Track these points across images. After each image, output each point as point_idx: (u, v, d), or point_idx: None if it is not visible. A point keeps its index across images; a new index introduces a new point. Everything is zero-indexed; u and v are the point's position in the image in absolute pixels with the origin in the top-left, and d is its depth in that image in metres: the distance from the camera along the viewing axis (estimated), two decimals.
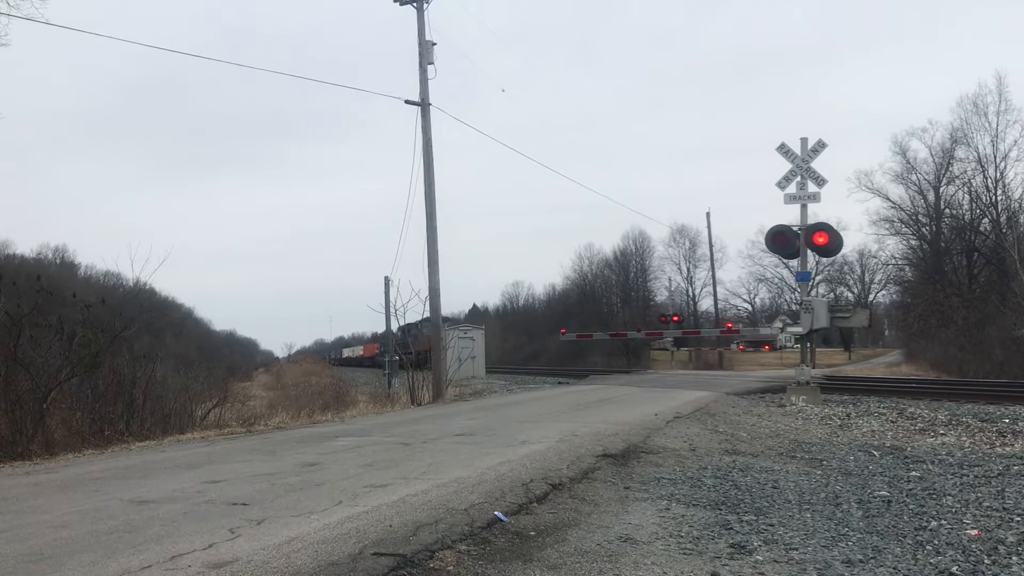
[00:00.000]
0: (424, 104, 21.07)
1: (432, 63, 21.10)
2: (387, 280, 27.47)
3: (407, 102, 21.16)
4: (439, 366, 20.91)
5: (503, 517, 5.29)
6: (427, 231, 21.26)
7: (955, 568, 4.36)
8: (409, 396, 20.40)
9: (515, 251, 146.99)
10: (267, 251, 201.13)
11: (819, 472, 7.81)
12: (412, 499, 5.84)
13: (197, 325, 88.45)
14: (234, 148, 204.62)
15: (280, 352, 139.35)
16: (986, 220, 43.68)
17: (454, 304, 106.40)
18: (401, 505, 5.63)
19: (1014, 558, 4.59)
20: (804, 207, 16.29)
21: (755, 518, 5.60)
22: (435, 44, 21.13)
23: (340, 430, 11.87)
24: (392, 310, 24.47)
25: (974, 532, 5.23)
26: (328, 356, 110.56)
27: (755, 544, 4.85)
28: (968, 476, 7.58)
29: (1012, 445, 9.89)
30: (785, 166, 16.25)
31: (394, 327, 27.46)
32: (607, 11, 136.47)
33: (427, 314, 21.65)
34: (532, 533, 5.03)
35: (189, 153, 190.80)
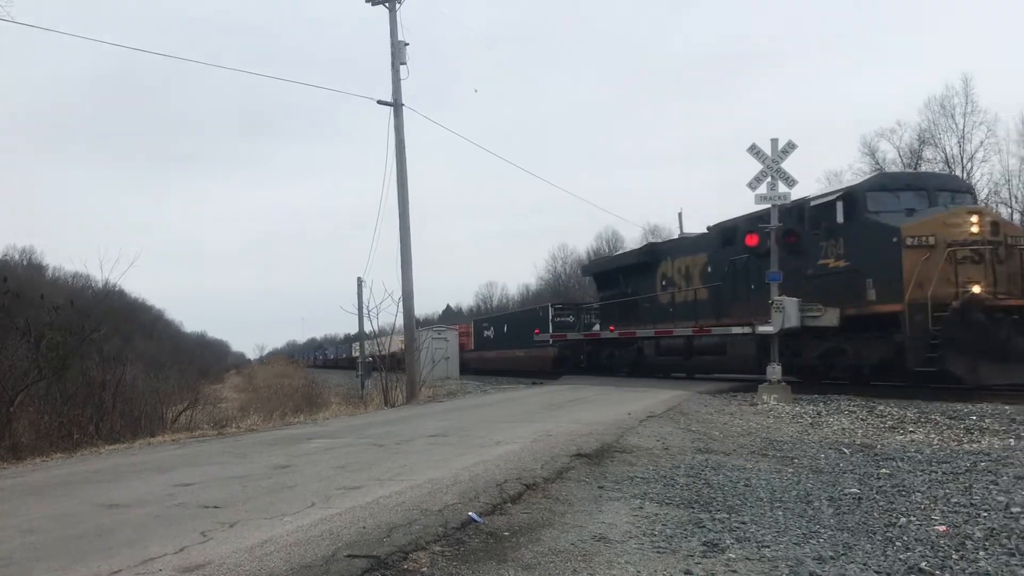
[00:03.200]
0: (397, 104, 21.02)
1: (404, 63, 21.06)
2: (360, 281, 27.43)
3: (379, 102, 21.12)
4: (412, 367, 20.87)
5: (477, 518, 5.29)
6: (400, 232, 21.23)
7: (924, 564, 4.42)
8: (383, 397, 20.34)
9: (489, 252, 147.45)
10: (239, 252, 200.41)
11: (790, 470, 7.88)
12: (386, 501, 5.82)
13: (168, 327, 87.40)
14: (206, 149, 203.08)
15: (252, 354, 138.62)
16: None
17: (428, 305, 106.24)
18: (375, 507, 5.61)
19: (981, 553, 4.66)
20: (774, 208, 16.44)
21: (727, 516, 5.64)
22: (407, 44, 21.10)
23: (313, 432, 11.81)
24: (365, 311, 24.41)
25: (942, 528, 5.30)
26: (312, 357, 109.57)
27: (727, 542, 4.88)
28: (936, 473, 7.68)
29: (979, 442, 10.04)
30: (756, 167, 16.36)
31: (367, 328, 27.35)
32: (581, 12, 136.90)
33: (401, 315, 21.59)
34: (506, 533, 5.04)
35: (160, 153, 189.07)
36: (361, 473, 7.28)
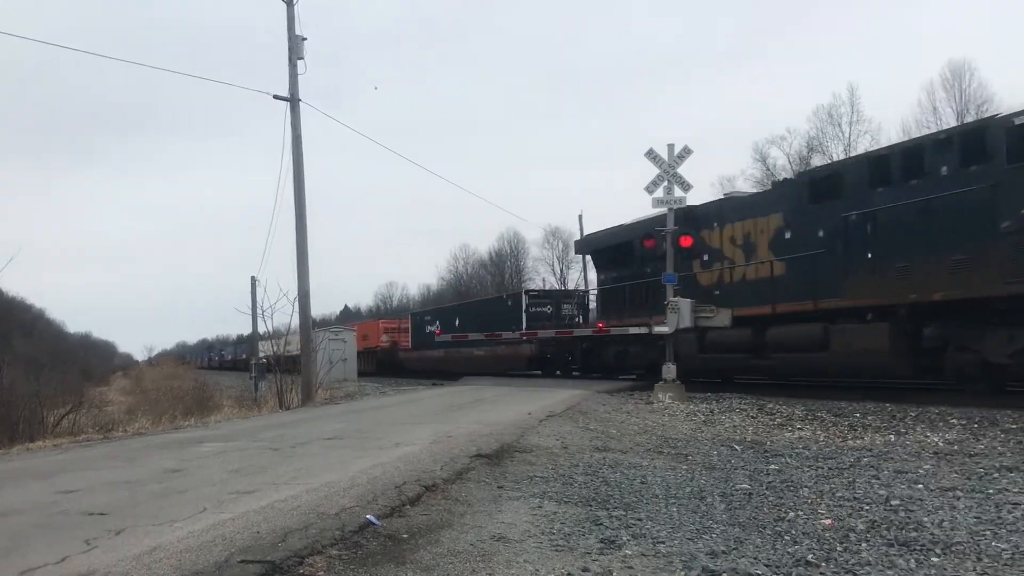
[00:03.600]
0: (294, 100, 20.59)
1: (302, 58, 20.63)
2: (254, 281, 26.82)
3: (276, 97, 20.63)
4: (308, 368, 20.48)
5: (375, 520, 5.22)
6: (297, 230, 20.78)
7: (810, 556, 4.58)
8: (277, 400, 19.91)
9: (390, 252, 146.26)
10: (127, 250, 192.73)
11: (685, 467, 8.07)
12: (281, 504, 5.69)
13: (49, 327, 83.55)
14: (95, 142, 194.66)
15: (140, 355, 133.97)
16: None
17: (325, 305, 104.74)
18: (270, 511, 5.47)
19: (863, 545, 4.87)
20: (671, 211, 16.83)
21: (624, 513, 5.73)
22: (305, 39, 20.67)
23: (205, 435, 11.46)
24: (260, 312, 23.83)
25: (828, 521, 5.52)
26: (207, 358, 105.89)
27: (624, 539, 4.96)
28: (823, 468, 8.00)
29: (862, 438, 10.50)
30: (653, 171, 16.73)
31: (261, 329, 26.68)
32: (485, 14, 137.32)
33: (297, 315, 21.12)
34: (405, 535, 4.99)
35: (42, 147, 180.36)
36: (255, 477, 7.10)
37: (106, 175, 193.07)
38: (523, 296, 30.12)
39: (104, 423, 15.62)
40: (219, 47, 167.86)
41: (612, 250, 23.12)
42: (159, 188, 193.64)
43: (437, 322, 37.17)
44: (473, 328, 30.48)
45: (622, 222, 22.79)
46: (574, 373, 25.37)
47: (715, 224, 18.69)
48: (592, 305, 27.98)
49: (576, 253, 33.61)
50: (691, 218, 19.08)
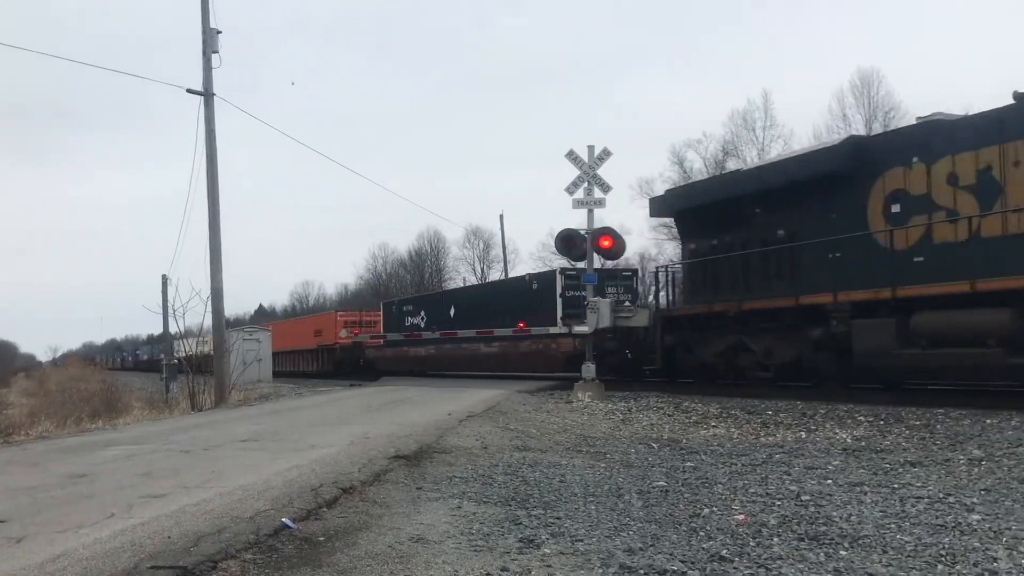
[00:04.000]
0: (208, 94, 20.11)
1: (217, 51, 20.19)
2: (165, 279, 26.07)
3: (189, 91, 20.13)
4: (222, 369, 20.03)
5: (291, 524, 5.11)
6: (210, 228, 20.30)
7: (724, 551, 4.66)
8: (189, 401, 19.40)
9: (306, 250, 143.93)
10: (27, 247, 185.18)
11: (603, 465, 8.14)
12: (193, 508, 5.52)
13: None
14: None
15: (44, 356, 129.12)
16: None
17: (239, 305, 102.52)
18: (181, 515, 5.31)
19: (775, 539, 4.98)
20: (591, 212, 17.02)
21: (543, 512, 5.74)
22: (220, 32, 20.25)
23: (113, 438, 11.07)
24: (171, 311, 23.16)
25: (741, 517, 5.63)
26: (120, 358, 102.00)
27: (543, 537, 4.96)
28: (736, 465, 8.17)
29: (774, 435, 10.78)
30: (574, 172, 16.88)
31: (172, 329, 25.90)
32: (404, 9, 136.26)
33: (210, 314, 20.60)
34: (321, 538, 4.90)
35: None
36: (166, 480, 6.88)
37: (3, 170, 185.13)
38: (558, 277, 23.55)
39: (4, 426, 14.95)
40: (136, 40, 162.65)
41: (708, 210, 17.29)
42: (64, 183, 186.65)
43: (424, 312, 31.97)
44: (474, 318, 26.64)
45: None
46: (646, 377, 19.22)
47: (913, 159, 13.11)
48: (660, 286, 20.81)
49: (653, 216, 27.75)
50: (864, 154, 14.12)
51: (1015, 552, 4.57)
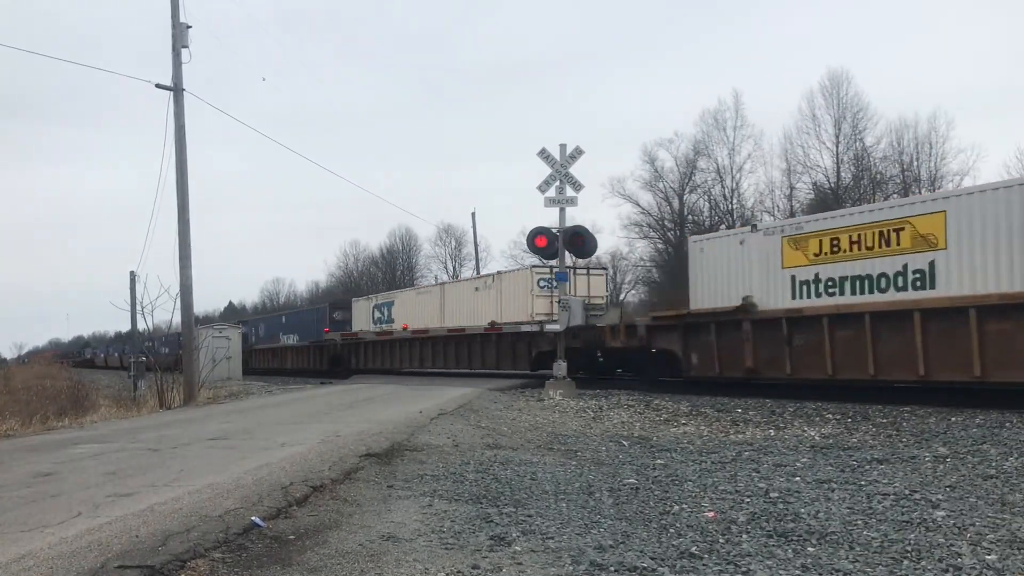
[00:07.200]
0: (177, 89, 19.84)
1: (187, 46, 19.93)
2: (133, 275, 25.74)
3: (158, 86, 19.81)
4: (191, 367, 19.81)
5: (260, 522, 5.08)
6: (179, 224, 20.03)
7: (694, 548, 4.69)
8: (158, 399, 19.17)
9: (277, 247, 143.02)
10: None
11: (574, 463, 8.16)
12: (161, 507, 5.46)
13: None
14: None
15: (9, 353, 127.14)
16: (723, 226, 47.84)
17: (209, 302, 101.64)
18: (149, 514, 5.25)
19: (744, 536, 5.02)
20: (563, 210, 17.06)
21: (515, 510, 5.75)
22: (190, 27, 19.97)
23: (79, 436, 10.92)
24: (139, 308, 22.87)
25: (711, 514, 5.67)
26: (91, 356, 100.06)
27: (514, 535, 4.97)
28: (706, 463, 8.23)
29: (744, 433, 10.86)
30: (546, 171, 16.91)
31: (141, 326, 25.61)
32: (375, 6, 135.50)
33: (179, 311, 20.35)
34: (291, 537, 4.87)
35: None
36: (134, 479, 6.81)
37: None
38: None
39: None
40: (106, 34, 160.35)
41: None
42: (30, 178, 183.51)
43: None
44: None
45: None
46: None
47: None
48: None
49: None
50: None
51: (979, 548, 4.64)
